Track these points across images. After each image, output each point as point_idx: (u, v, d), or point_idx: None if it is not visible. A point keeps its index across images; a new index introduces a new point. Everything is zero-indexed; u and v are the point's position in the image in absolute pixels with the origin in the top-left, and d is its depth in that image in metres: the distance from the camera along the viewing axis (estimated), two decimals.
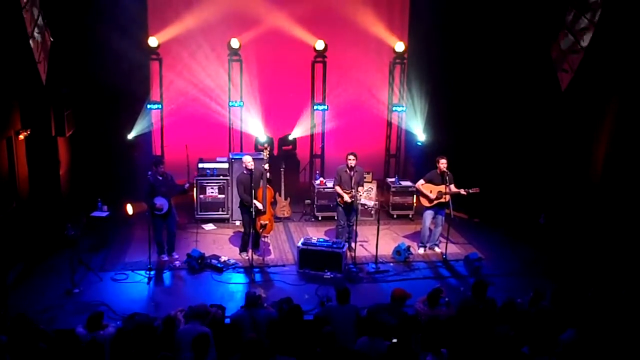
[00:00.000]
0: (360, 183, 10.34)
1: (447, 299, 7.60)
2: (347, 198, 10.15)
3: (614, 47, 9.67)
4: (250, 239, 10.18)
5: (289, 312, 7.12)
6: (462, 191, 10.20)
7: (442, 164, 10.21)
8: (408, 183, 12.48)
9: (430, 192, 10.38)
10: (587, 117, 10.40)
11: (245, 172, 9.92)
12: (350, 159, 10.14)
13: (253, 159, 9.99)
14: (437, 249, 10.72)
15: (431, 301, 7.40)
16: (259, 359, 5.85)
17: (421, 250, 10.76)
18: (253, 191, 9.75)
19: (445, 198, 10.26)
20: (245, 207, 10.01)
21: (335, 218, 10.66)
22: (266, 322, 7.07)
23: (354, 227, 10.40)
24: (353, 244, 10.27)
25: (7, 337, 6.26)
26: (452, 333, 6.83)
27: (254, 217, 9.85)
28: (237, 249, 10.53)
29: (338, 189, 10.30)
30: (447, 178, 10.17)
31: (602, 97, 10.11)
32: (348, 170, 10.20)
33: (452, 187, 10.20)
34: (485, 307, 7.37)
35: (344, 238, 10.39)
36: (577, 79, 10.51)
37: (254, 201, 9.78)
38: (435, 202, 10.38)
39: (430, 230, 10.79)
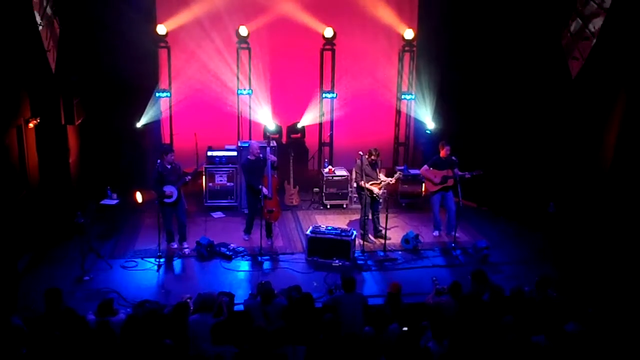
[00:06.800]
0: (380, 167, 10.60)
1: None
2: (377, 191, 10.33)
3: (626, 33, 9.56)
4: (253, 222, 10.40)
5: (300, 300, 7.15)
6: (466, 174, 10.37)
7: (445, 150, 10.43)
8: (417, 171, 12.44)
9: (435, 176, 10.56)
10: (598, 104, 10.31)
11: (250, 157, 10.20)
12: (372, 157, 10.32)
13: (259, 146, 10.31)
14: (456, 235, 10.49)
15: (454, 293, 7.34)
16: (267, 347, 5.90)
17: (436, 233, 10.94)
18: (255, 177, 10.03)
19: (449, 182, 10.46)
20: (251, 190, 10.17)
21: (361, 208, 10.67)
22: (277, 310, 7.11)
23: (379, 216, 10.64)
24: (383, 231, 10.36)
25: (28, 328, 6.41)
26: (458, 323, 6.86)
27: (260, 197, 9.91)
28: (246, 237, 10.59)
29: (366, 184, 10.30)
30: (451, 163, 10.40)
31: (612, 85, 10.01)
32: (369, 165, 10.34)
33: (457, 171, 10.36)
34: (491, 296, 7.38)
35: (369, 228, 10.62)
36: (588, 67, 10.41)
37: (261, 187, 9.92)
38: (440, 186, 10.56)
39: (441, 216, 10.95)
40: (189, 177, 10.09)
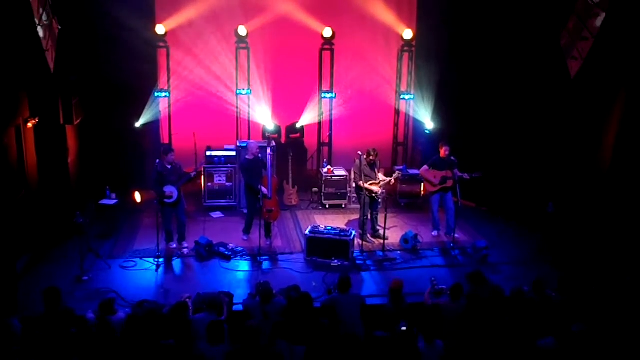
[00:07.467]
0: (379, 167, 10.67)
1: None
2: (377, 189, 10.38)
3: (625, 33, 9.57)
4: (252, 221, 10.38)
5: (298, 300, 7.14)
6: (465, 175, 10.34)
7: (445, 150, 10.43)
8: (416, 171, 12.44)
9: (434, 177, 10.56)
10: (596, 105, 10.31)
11: (248, 157, 10.23)
12: (371, 158, 10.38)
13: (258, 146, 10.35)
14: (455, 235, 10.45)
15: (454, 294, 7.36)
16: (260, 345, 5.91)
17: (435, 233, 10.93)
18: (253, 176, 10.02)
19: (449, 183, 10.45)
20: (250, 190, 10.17)
21: (360, 208, 10.71)
22: (276, 310, 7.11)
23: (377, 215, 10.70)
24: (382, 231, 10.39)
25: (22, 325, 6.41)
26: (458, 325, 6.86)
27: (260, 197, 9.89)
28: (245, 237, 10.58)
29: (365, 184, 10.28)
30: (450, 163, 10.39)
31: (611, 85, 10.01)
32: (368, 165, 10.36)
33: (456, 172, 10.33)
34: (490, 296, 7.37)
35: (368, 228, 10.63)
36: (587, 66, 10.42)
37: (260, 186, 9.90)
38: (439, 187, 10.55)
39: (440, 215, 10.93)
40: (194, 173, 10.08)
